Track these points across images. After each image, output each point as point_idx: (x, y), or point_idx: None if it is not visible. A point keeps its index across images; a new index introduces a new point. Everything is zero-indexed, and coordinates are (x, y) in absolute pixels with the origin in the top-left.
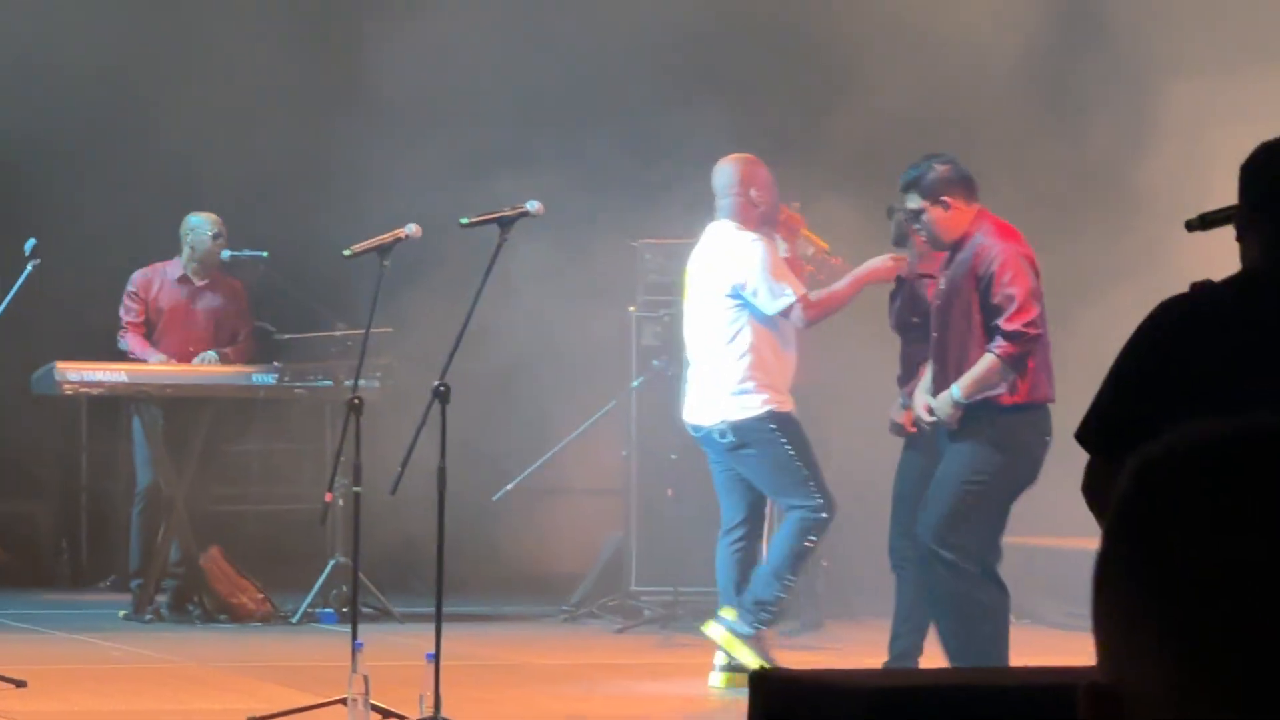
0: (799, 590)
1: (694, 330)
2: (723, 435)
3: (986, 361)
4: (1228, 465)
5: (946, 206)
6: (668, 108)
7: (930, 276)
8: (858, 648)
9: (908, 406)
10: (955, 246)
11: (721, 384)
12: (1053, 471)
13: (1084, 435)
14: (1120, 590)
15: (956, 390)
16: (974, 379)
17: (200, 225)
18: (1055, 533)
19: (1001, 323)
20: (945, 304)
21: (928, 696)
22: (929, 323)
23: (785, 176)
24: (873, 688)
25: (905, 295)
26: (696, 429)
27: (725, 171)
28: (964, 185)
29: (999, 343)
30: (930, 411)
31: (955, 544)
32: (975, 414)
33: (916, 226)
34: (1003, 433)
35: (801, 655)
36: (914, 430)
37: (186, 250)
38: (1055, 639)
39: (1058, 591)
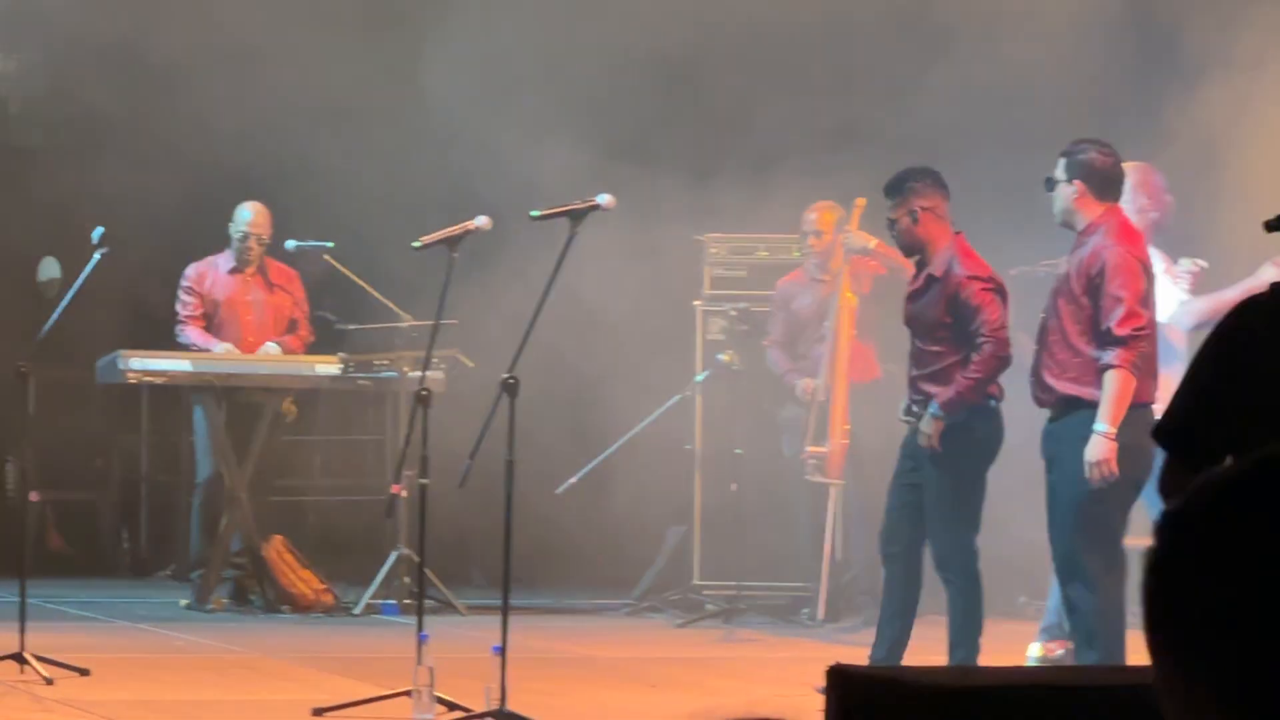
0: (861, 588)
1: None
2: None
3: (1113, 380)
4: (1246, 509)
5: (1075, 191)
6: (734, 100)
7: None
8: (921, 644)
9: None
10: (1081, 234)
11: None
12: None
13: (1160, 434)
14: (1167, 654)
15: (1103, 425)
16: (1113, 404)
17: (239, 218)
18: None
19: (1113, 327)
20: (1057, 291)
21: (1007, 695)
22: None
23: (854, 167)
24: (951, 686)
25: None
26: None
27: None
28: (1108, 181)
29: (1115, 353)
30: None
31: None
32: (1072, 416)
33: (1050, 193)
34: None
35: (866, 651)
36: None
37: (232, 241)
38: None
39: (1132, 592)
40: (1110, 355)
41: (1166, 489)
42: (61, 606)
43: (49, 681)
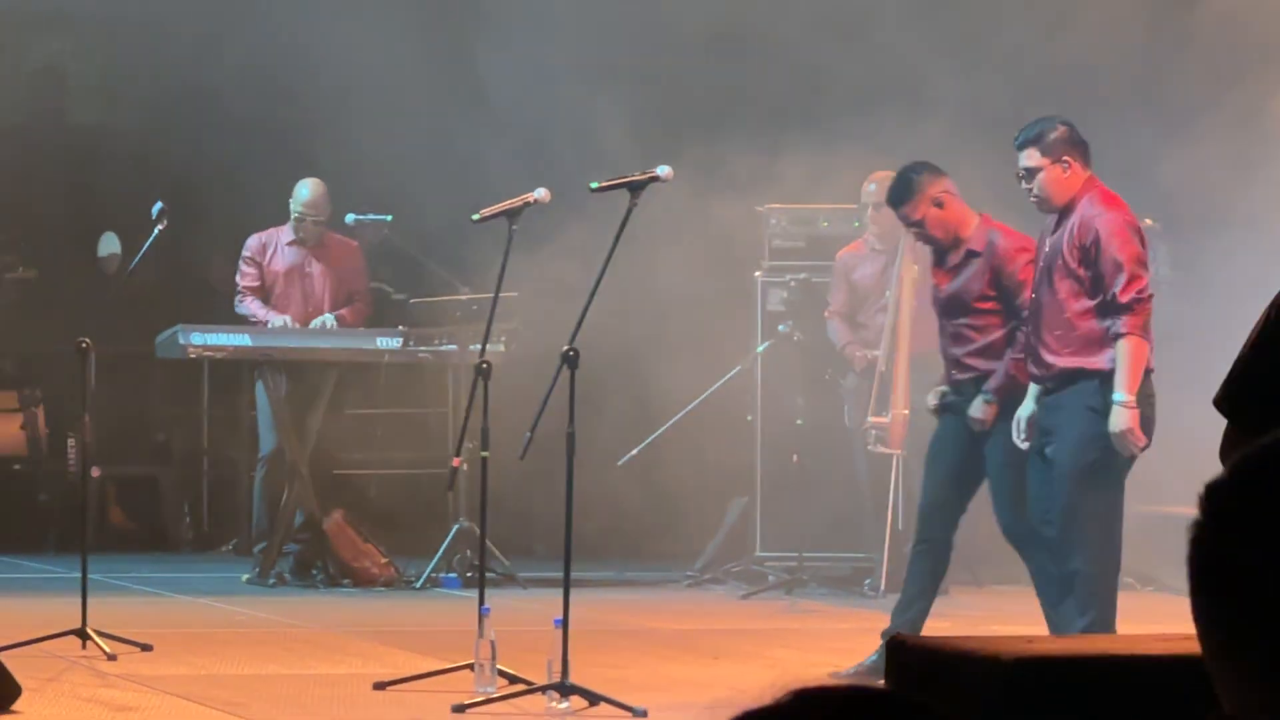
0: None
1: None
2: None
3: (1126, 347)
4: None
5: (1066, 166)
6: (795, 70)
7: None
8: (984, 615)
9: (991, 402)
10: (1062, 212)
11: None
12: (1171, 439)
13: (1220, 402)
14: (1215, 629)
15: (1122, 395)
16: (1129, 371)
17: (298, 196)
18: (1178, 500)
19: (1117, 295)
20: (1047, 269)
21: (1066, 666)
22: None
23: (915, 137)
24: (1012, 657)
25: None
26: None
27: None
28: (1083, 148)
29: (1123, 320)
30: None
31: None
32: (1073, 386)
33: (1032, 187)
34: (1108, 400)
35: (928, 622)
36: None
37: (292, 215)
38: (1181, 607)
39: (1183, 559)
40: (1119, 323)
41: (1228, 457)
42: (123, 582)
43: (111, 657)
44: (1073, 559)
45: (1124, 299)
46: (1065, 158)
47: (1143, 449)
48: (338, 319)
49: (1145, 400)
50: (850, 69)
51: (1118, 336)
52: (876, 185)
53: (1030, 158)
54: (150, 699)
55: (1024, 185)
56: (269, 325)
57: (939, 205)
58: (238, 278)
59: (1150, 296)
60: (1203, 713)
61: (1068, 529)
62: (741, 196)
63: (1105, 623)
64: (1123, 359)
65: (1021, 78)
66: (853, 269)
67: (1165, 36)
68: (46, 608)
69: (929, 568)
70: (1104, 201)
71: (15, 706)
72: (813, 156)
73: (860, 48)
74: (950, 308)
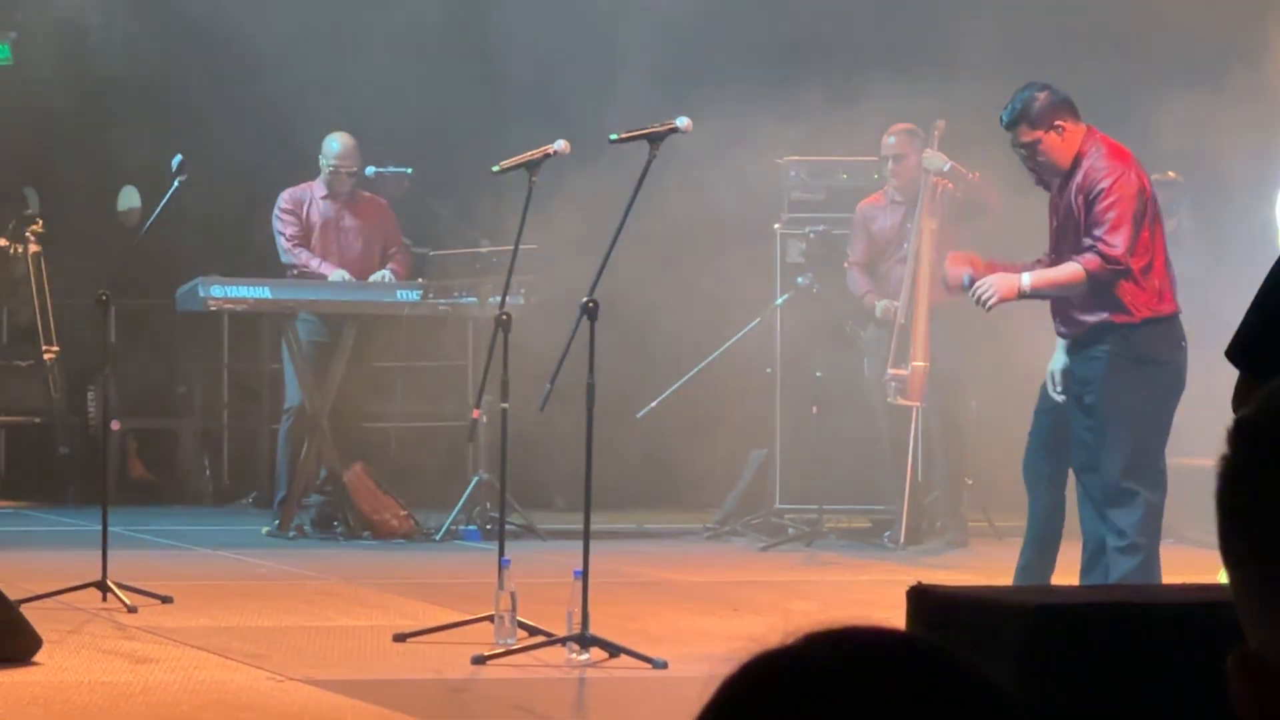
0: (942, 510)
1: None
2: None
3: (1069, 269)
4: None
5: (1061, 131)
6: (815, 22)
7: None
8: (1005, 565)
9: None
10: (1069, 172)
11: None
12: (1190, 391)
13: (1232, 352)
14: (1245, 562)
15: (1027, 279)
16: (1050, 279)
17: (328, 150)
18: (1197, 452)
19: (1101, 236)
20: (1061, 228)
21: (1088, 613)
22: None
23: (935, 89)
24: (1033, 605)
25: None
26: None
27: None
28: (1069, 106)
29: (1087, 255)
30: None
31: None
32: (1104, 338)
33: (1034, 161)
34: (1141, 348)
35: (949, 574)
36: None
37: (323, 173)
38: (1201, 557)
39: (1201, 510)
40: (1083, 256)
41: (1238, 406)
42: (143, 534)
43: (132, 609)
44: (1134, 497)
45: (1100, 244)
46: (1056, 122)
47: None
48: (392, 274)
49: (1176, 346)
50: (869, 20)
51: (1074, 261)
52: (896, 138)
53: (1024, 134)
54: (170, 651)
55: (1026, 164)
56: (328, 278)
57: (1059, 132)
58: (280, 227)
59: (1122, 270)
60: (1222, 661)
61: (1126, 469)
62: (761, 148)
63: (1152, 569)
64: (1061, 271)
65: (1052, 29)
66: (872, 220)
67: None
68: (67, 560)
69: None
70: (1108, 153)
71: (36, 658)
72: (832, 108)
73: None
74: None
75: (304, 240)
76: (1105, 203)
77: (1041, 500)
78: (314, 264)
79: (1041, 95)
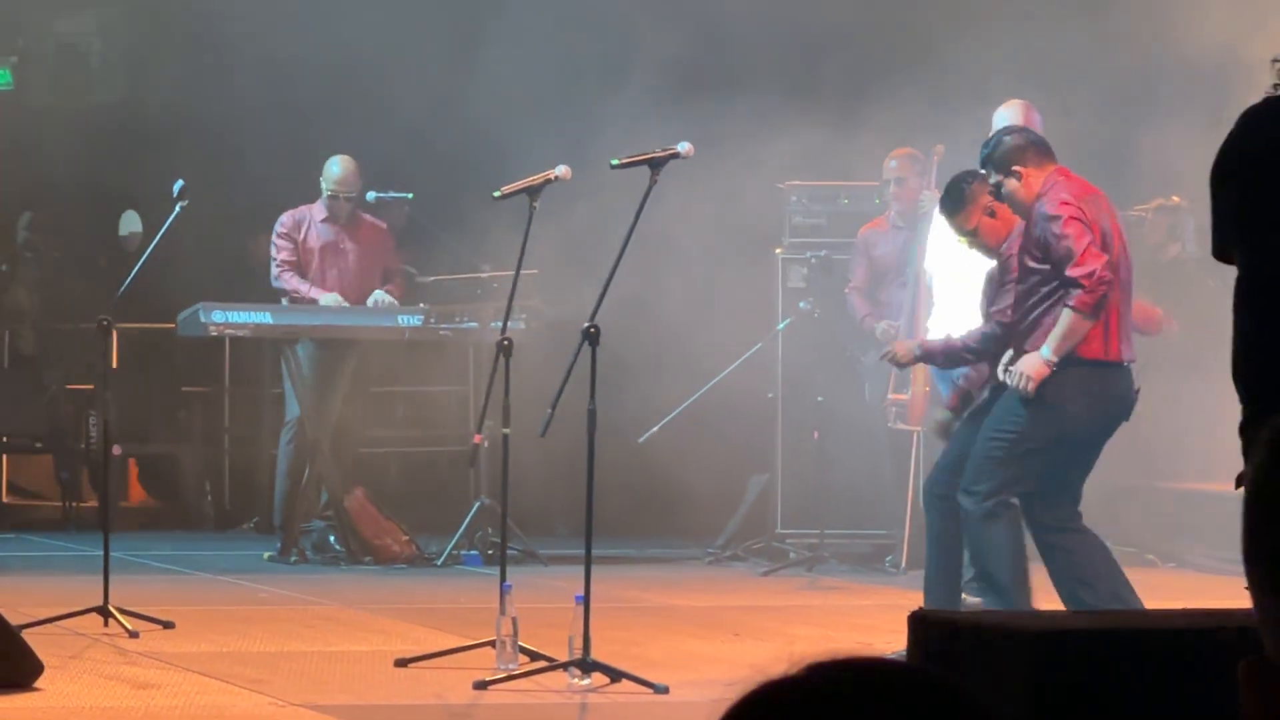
0: None
1: None
2: None
3: (1067, 318)
4: None
5: (1019, 177)
6: (817, 48)
7: None
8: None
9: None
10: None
11: None
12: (1187, 417)
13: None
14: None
15: (1047, 350)
16: (1060, 335)
17: (328, 174)
18: (1200, 477)
19: (1069, 272)
20: (1015, 270)
21: (1089, 639)
22: None
23: (935, 115)
24: (1034, 630)
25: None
26: None
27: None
28: (1035, 151)
29: (1072, 294)
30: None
31: (978, 490)
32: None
33: (1000, 199)
34: (1044, 388)
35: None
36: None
37: (324, 194)
38: (1203, 583)
39: (1204, 535)
40: (1069, 297)
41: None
42: (145, 560)
43: (133, 634)
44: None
45: (1073, 274)
46: (1015, 167)
47: (1074, 441)
48: (388, 296)
49: (1081, 394)
50: (869, 46)
51: (1065, 308)
52: (898, 161)
53: (991, 174)
54: (172, 676)
55: (1001, 199)
56: (319, 302)
57: (991, 214)
58: (273, 253)
59: (1105, 280)
60: (1226, 686)
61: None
62: (763, 174)
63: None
64: (1061, 323)
65: (1050, 57)
66: (874, 245)
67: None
68: (68, 585)
69: None
70: (1063, 189)
71: (37, 684)
72: (833, 133)
73: (885, 23)
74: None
75: (300, 264)
76: (1057, 237)
77: None
78: (303, 289)
79: (1009, 140)
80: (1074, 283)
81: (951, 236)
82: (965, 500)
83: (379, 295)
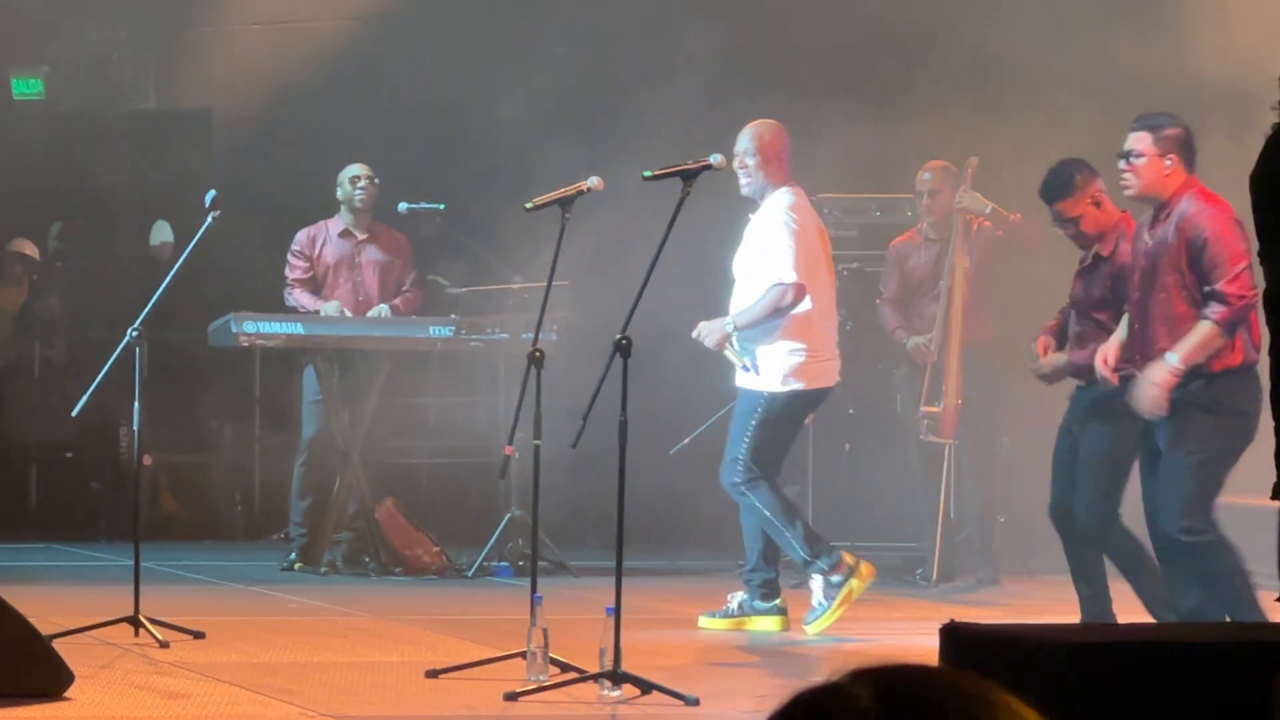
0: (974, 547)
1: None
2: None
3: (1204, 328)
4: None
5: (1170, 163)
6: (848, 61)
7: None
8: (1037, 604)
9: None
10: (1159, 207)
11: None
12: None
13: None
14: None
15: (1174, 357)
16: (1193, 345)
17: (345, 173)
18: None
19: (1219, 286)
20: (1152, 266)
21: (1121, 651)
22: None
23: (968, 127)
24: (1067, 643)
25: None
26: None
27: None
28: (1189, 153)
29: (1214, 308)
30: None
31: (1199, 526)
32: (1184, 383)
33: (1125, 167)
34: (1216, 399)
35: (981, 611)
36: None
37: (342, 203)
38: None
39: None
40: (1210, 310)
41: None
42: (175, 570)
43: (164, 644)
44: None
45: (1224, 289)
46: (1171, 155)
47: (1232, 448)
48: (391, 309)
49: (1252, 400)
50: (904, 58)
51: (1203, 319)
52: (932, 173)
53: (1139, 141)
54: (202, 686)
55: (1120, 165)
56: (321, 313)
57: (1097, 205)
58: (286, 270)
59: (1253, 295)
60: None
61: (1193, 517)
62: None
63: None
64: (1195, 334)
65: (1085, 67)
66: (906, 258)
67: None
68: (99, 595)
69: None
70: (1204, 199)
71: (68, 693)
72: (867, 146)
73: (919, 35)
74: (1076, 311)
75: (315, 279)
76: (1216, 249)
77: None
78: (308, 304)
79: (1177, 129)
80: (1220, 297)
81: (747, 229)
82: (1190, 539)
83: (382, 309)
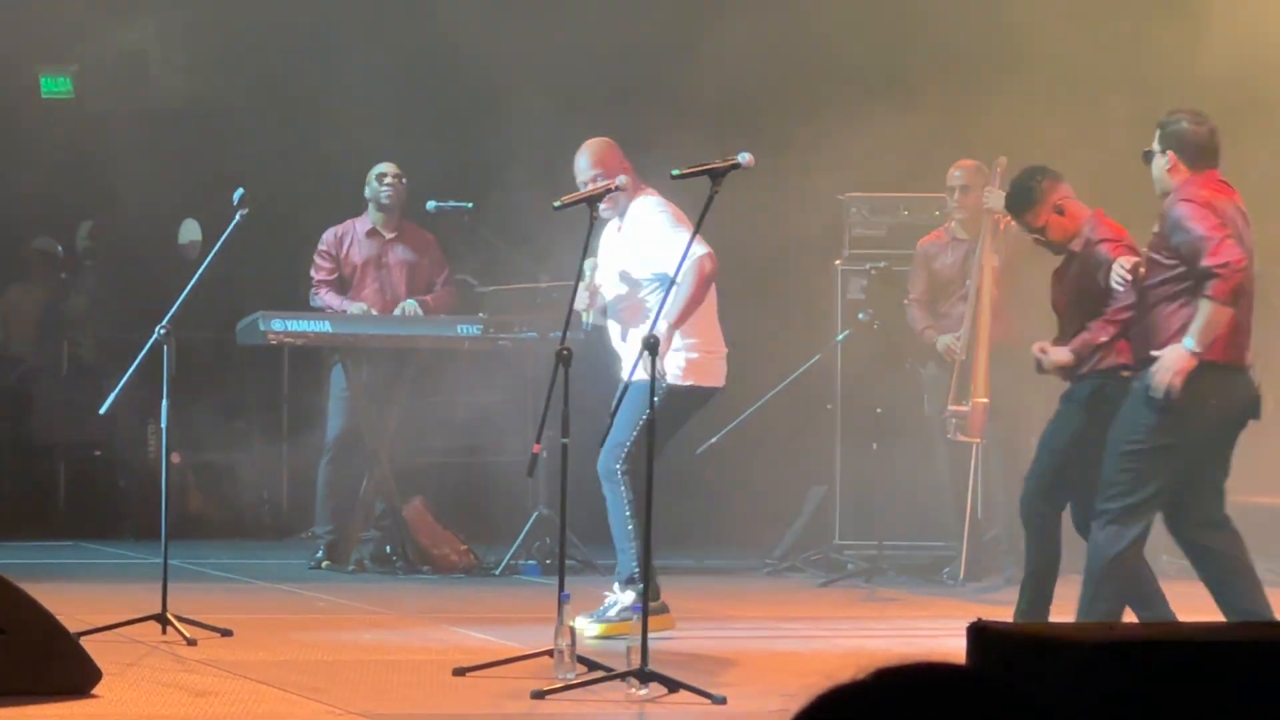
0: (1002, 547)
1: None
2: None
3: (1206, 307)
4: None
5: (1167, 161)
6: (877, 59)
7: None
8: (1064, 603)
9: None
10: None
11: None
12: (1249, 430)
13: None
14: None
15: (1190, 341)
16: (1202, 326)
17: (374, 172)
18: (1250, 490)
19: (1204, 262)
20: (1148, 266)
21: (1148, 651)
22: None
23: (996, 127)
24: (1094, 642)
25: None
26: None
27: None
28: (1192, 150)
29: (1209, 285)
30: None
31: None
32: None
33: (1150, 166)
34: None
35: (1008, 610)
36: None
37: (370, 201)
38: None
39: (1266, 549)
40: (1206, 288)
41: None
42: (203, 568)
43: (191, 642)
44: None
45: (1209, 263)
46: (1168, 152)
47: (1222, 432)
48: (420, 304)
49: (1208, 398)
50: (935, 59)
51: (1204, 299)
52: (963, 171)
53: (1154, 140)
54: (230, 684)
55: (1146, 163)
56: (348, 312)
57: (1060, 212)
58: (311, 271)
59: (1242, 267)
60: None
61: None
62: (823, 184)
63: None
64: (1201, 314)
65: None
66: (934, 257)
67: None
68: (127, 593)
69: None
70: (1196, 187)
71: (95, 691)
72: (895, 145)
73: (946, 35)
74: (1055, 312)
75: (342, 279)
76: (1188, 231)
77: None
78: (334, 304)
79: (1185, 125)
80: (1209, 273)
81: (613, 241)
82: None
83: (408, 304)
